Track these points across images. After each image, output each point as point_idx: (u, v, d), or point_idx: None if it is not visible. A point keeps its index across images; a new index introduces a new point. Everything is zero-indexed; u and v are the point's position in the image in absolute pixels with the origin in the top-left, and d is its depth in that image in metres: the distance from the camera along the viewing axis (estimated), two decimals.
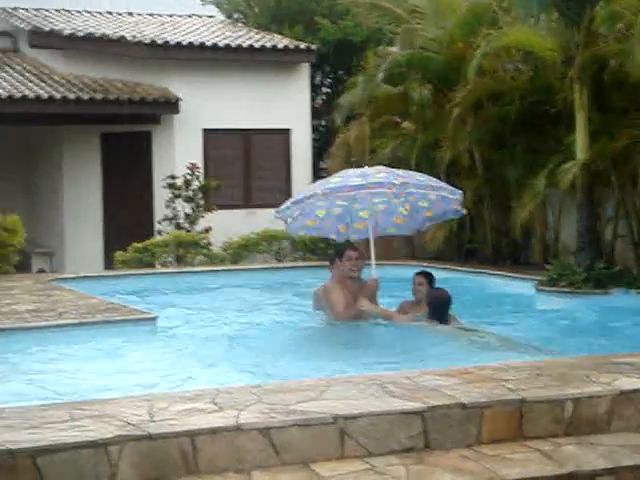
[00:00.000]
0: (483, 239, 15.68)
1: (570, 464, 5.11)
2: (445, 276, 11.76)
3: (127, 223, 18.85)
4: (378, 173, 9.40)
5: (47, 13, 21.53)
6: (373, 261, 9.19)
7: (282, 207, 9.70)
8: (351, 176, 9.35)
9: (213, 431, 4.96)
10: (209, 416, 5.16)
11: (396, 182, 9.10)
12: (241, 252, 16.86)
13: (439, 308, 8.88)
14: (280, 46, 20.17)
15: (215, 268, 15.56)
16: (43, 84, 18.51)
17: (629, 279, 11.86)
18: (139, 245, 16.18)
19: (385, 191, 9.15)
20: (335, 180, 9.40)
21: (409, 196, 9.33)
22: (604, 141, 12.29)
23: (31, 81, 18.65)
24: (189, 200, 18.02)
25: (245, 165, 20.03)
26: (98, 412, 5.23)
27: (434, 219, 9.91)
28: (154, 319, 9.54)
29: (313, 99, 22.37)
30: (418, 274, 9.47)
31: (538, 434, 5.55)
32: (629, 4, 12.38)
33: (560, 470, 5.03)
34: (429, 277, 9.37)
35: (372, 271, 9.22)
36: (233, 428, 4.99)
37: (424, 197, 9.38)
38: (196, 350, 8.64)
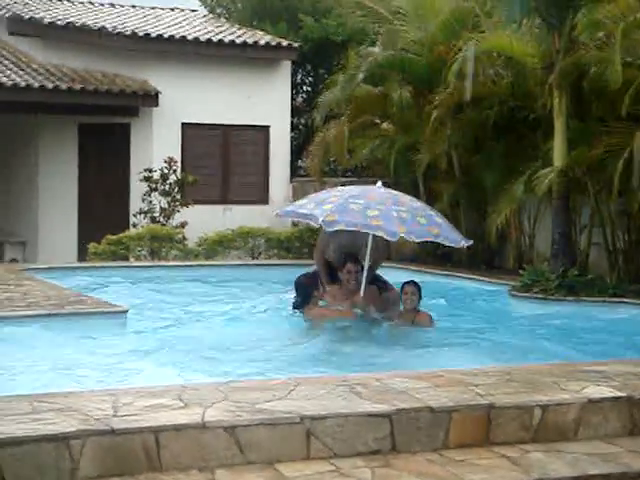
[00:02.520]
0: None
1: (536, 471, 5.09)
2: (420, 278, 11.68)
3: (102, 215, 18.71)
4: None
5: (27, 0, 21.32)
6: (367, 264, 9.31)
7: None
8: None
9: (178, 428, 4.91)
10: (174, 413, 5.11)
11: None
12: (215, 248, 16.77)
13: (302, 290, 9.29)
14: (262, 42, 20.11)
15: (189, 263, 15.48)
16: (21, 72, 18.34)
17: (602, 287, 11.86)
18: (113, 237, 16.06)
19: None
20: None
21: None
22: (582, 149, 12.29)
23: (9, 69, 18.46)
24: (165, 194, 17.94)
25: (223, 161, 19.96)
26: (61, 405, 5.17)
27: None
28: (125, 312, 9.46)
29: (294, 97, 22.32)
30: (408, 284, 9.55)
31: (505, 440, 5.53)
32: (611, 13, 12.38)
33: (526, 477, 5.02)
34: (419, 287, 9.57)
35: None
36: (198, 425, 4.95)
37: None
38: (166, 345, 8.56)
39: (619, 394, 5.89)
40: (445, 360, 7.87)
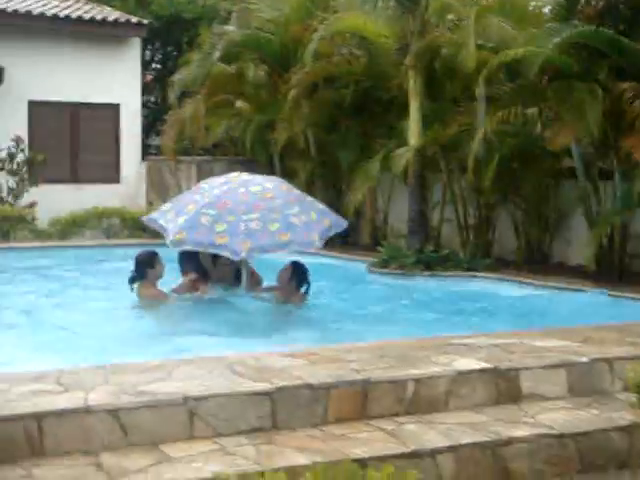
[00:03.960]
0: None
1: (412, 442, 5.26)
2: (277, 259, 11.78)
3: None
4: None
5: None
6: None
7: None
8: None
9: (60, 413, 4.85)
10: (55, 397, 5.04)
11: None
12: (69, 229, 16.41)
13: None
14: (110, 19, 19.76)
15: (44, 244, 15.10)
16: None
17: (456, 262, 12.26)
18: None
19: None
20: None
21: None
22: (436, 128, 12.63)
23: None
24: (13, 174, 17.47)
25: (73, 139, 19.58)
26: None
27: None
28: None
29: (143, 74, 22.03)
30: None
31: (381, 413, 5.69)
32: None
33: (403, 448, 5.17)
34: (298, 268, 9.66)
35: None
36: (81, 410, 4.90)
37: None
38: (31, 328, 8.39)
39: (485, 365, 6.13)
40: (317, 336, 8.02)
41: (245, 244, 8.66)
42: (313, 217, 9.18)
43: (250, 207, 8.95)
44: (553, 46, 10.69)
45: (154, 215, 9.77)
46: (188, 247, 9.00)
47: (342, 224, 9.62)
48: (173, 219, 9.11)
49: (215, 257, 9.56)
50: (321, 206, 9.67)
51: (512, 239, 13.36)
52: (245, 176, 9.73)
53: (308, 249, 9.33)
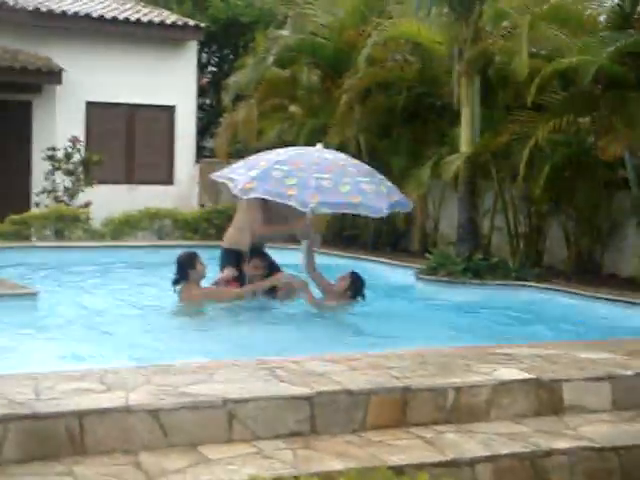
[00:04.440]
0: (364, 225, 15.87)
1: (451, 451, 5.25)
2: (326, 261, 11.83)
3: (1, 193, 18.34)
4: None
5: None
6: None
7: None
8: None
9: (102, 412, 4.93)
10: (97, 396, 5.12)
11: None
12: (122, 229, 16.60)
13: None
14: (168, 22, 20.00)
15: (97, 244, 15.28)
16: None
17: (505, 271, 12.18)
18: (16, 217, 15.74)
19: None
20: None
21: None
22: (488, 136, 12.57)
23: None
24: (69, 173, 17.76)
25: (128, 140, 19.83)
26: None
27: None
28: (35, 295, 9.32)
29: (199, 77, 22.24)
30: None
31: (420, 421, 5.68)
32: (515, 4, 12.74)
33: (441, 457, 5.17)
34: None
35: None
36: (122, 409, 4.97)
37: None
38: (78, 328, 8.50)
39: (528, 376, 6.10)
40: (359, 341, 8.03)
41: (314, 197, 8.85)
42: (383, 189, 9.38)
43: (322, 168, 9.16)
44: (607, 55, 10.60)
45: (224, 171, 9.91)
46: (257, 195, 9.10)
47: (407, 205, 9.85)
48: (244, 173, 9.25)
49: (251, 260, 9.62)
50: (389, 184, 9.77)
51: (563, 249, 13.24)
52: (319, 146, 9.90)
53: (376, 215, 9.45)
